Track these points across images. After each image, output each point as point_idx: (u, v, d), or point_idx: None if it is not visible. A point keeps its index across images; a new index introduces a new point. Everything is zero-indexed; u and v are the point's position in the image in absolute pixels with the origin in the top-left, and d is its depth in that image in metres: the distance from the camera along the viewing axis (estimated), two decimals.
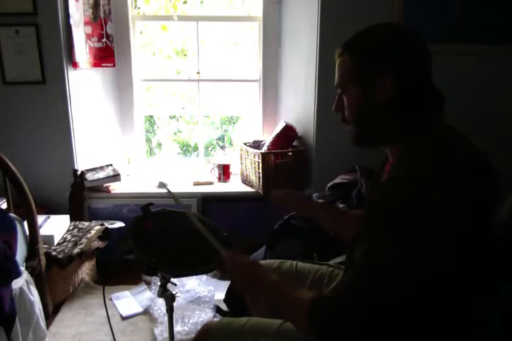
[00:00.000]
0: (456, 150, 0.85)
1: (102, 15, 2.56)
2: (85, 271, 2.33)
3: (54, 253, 2.05)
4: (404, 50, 0.90)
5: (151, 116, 3.51)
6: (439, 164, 0.81)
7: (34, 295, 1.71)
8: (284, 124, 2.57)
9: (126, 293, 2.23)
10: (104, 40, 2.61)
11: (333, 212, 1.31)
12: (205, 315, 1.95)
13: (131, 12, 2.73)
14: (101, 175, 2.55)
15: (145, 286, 2.28)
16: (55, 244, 2.16)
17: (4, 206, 2.05)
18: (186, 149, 3.62)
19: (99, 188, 2.56)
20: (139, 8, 2.92)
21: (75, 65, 2.42)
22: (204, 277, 2.24)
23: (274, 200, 1.33)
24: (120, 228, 2.40)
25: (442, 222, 0.77)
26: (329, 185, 2.20)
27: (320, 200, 2.11)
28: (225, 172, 2.76)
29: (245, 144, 2.71)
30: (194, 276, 2.17)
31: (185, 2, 3.01)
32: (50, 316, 2.01)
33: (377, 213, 0.82)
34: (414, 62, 0.90)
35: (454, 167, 0.81)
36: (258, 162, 2.47)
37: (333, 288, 1.18)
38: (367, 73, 0.91)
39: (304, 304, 0.84)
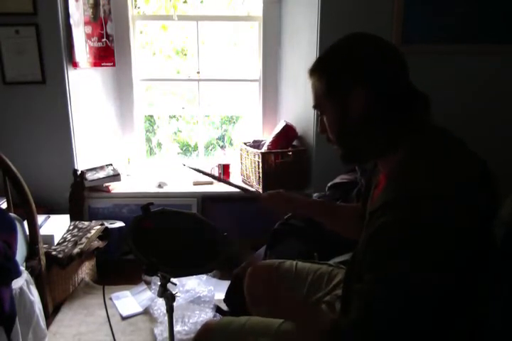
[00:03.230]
0: (450, 162, 0.82)
1: (102, 15, 2.56)
2: (85, 270, 2.33)
3: (54, 253, 2.05)
4: (369, 61, 0.88)
5: (151, 116, 3.50)
6: (435, 181, 0.78)
7: (34, 295, 1.71)
8: (284, 124, 2.57)
9: (126, 293, 2.23)
10: (104, 39, 2.61)
11: (327, 208, 1.29)
12: (205, 315, 1.95)
13: (131, 12, 2.73)
14: (101, 174, 2.55)
15: (145, 286, 2.28)
16: (55, 243, 2.16)
17: (4, 206, 2.04)
18: (186, 149, 3.61)
19: (99, 188, 2.56)
20: (138, 7, 2.92)
21: (75, 64, 2.42)
22: (204, 277, 2.24)
23: (264, 202, 1.29)
24: (120, 228, 2.41)
25: (449, 245, 0.75)
26: (329, 184, 2.20)
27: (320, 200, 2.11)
28: (225, 172, 2.76)
29: (245, 144, 2.71)
30: (194, 276, 2.17)
31: (185, 2, 3.01)
32: (50, 316, 2.01)
33: (382, 242, 0.79)
34: (383, 71, 0.88)
35: (450, 184, 0.78)
36: (258, 162, 2.47)
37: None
38: (336, 90, 0.89)
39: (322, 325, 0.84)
